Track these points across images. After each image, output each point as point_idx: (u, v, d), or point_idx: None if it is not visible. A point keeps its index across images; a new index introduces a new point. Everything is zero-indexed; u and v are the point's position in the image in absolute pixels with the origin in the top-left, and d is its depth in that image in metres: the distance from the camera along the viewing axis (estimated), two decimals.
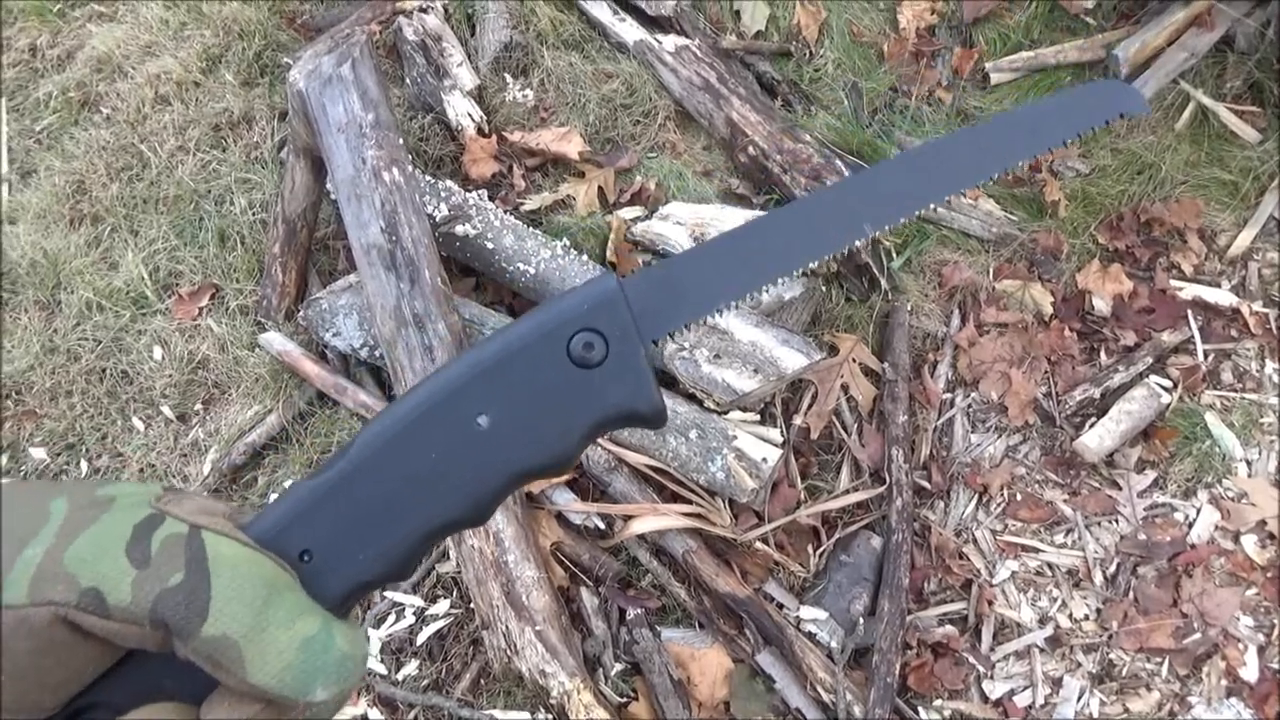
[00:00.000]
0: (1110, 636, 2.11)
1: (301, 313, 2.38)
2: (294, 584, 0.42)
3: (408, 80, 2.77)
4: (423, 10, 2.84)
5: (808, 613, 2.10)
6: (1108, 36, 2.78)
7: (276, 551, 0.43)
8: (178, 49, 2.93)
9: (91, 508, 0.40)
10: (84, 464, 2.39)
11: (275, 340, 2.38)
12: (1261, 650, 2.03)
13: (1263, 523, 2.17)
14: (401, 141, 2.22)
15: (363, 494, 0.46)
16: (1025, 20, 2.86)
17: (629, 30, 2.83)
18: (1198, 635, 2.06)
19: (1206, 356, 2.42)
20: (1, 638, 0.37)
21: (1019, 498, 2.31)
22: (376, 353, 2.27)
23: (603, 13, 2.87)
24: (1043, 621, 2.17)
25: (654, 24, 2.88)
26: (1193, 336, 2.44)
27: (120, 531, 0.39)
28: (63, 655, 0.38)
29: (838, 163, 2.51)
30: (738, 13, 2.97)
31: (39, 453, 2.40)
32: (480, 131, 2.65)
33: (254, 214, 2.62)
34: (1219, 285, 2.52)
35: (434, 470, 0.47)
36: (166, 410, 2.44)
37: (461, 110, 2.66)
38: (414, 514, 0.46)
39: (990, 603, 2.18)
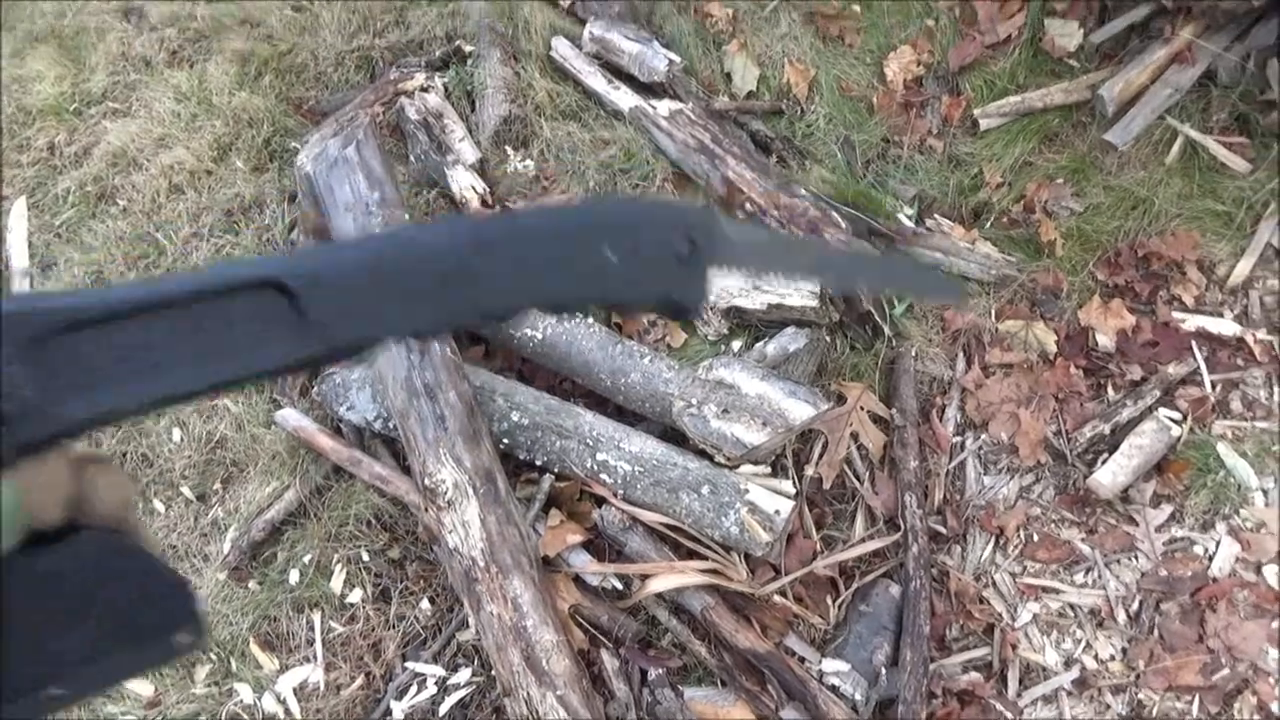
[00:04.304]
0: (1138, 676, 2.08)
1: (315, 388, 2.43)
2: None
3: (412, 157, 2.85)
4: (424, 90, 2.94)
5: (829, 665, 2.09)
6: (1092, 77, 2.84)
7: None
8: (190, 140, 3.04)
9: None
10: None
11: (290, 417, 2.43)
12: None
13: None
14: (407, 217, 2.28)
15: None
16: (1010, 66, 2.92)
17: (624, 98, 2.91)
18: (1226, 671, 2.03)
19: (1214, 387, 2.42)
20: None
21: (1036, 538, 2.30)
22: (390, 424, 2.31)
23: (598, 82, 2.95)
24: (1068, 664, 2.14)
25: (648, 90, 2.96)
26: (1199, 367, 2.45)
27: None
28: None
29: (834, 214, 2.56)
30: (729, 75, 3.05)
31: None
32: (484, 203, 2.72)
33: None
34: (1221, 315, 2.52)
35: (547, 261, 0.58)
36: (186, 491, 2.47)
37: (465, 183, 2.73)
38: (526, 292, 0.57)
39: (1014, 647, 2.16)
